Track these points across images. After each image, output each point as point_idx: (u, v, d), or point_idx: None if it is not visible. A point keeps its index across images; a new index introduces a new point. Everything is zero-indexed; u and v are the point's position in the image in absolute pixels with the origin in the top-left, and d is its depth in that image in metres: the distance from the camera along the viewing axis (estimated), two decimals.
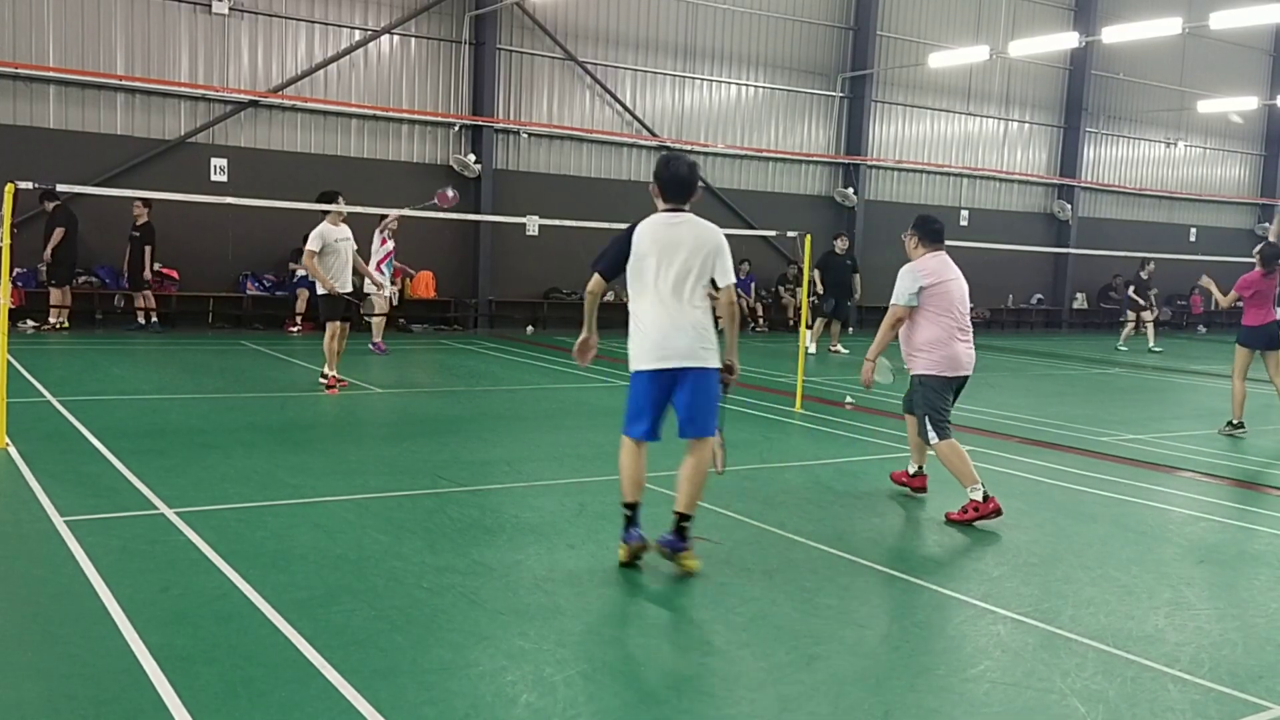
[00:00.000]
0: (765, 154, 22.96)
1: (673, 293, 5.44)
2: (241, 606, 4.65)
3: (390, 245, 14.91)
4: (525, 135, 20.19)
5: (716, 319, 5.58)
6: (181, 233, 16.86)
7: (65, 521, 5.80)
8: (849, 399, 11.86)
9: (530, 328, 19.41)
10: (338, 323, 11.06)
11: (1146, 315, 22.35)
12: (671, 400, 5.44)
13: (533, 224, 14.86)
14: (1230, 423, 10.89)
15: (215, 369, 12.81)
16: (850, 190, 23.83)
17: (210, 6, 17.10)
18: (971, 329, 7.12)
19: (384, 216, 14.76)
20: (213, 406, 10.11)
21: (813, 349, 17.15)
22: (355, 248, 11.39)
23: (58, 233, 15.33)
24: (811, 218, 22.51)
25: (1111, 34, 20.32)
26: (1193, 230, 30.16)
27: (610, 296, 20.76)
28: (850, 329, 20.27)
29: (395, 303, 15.50)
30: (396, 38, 18.87)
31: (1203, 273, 13.17)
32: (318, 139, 18.35)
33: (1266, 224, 31.32)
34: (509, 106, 19.98)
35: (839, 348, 18.02)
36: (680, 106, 21.86)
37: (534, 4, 19.61)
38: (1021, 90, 26.55)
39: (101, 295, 16.71)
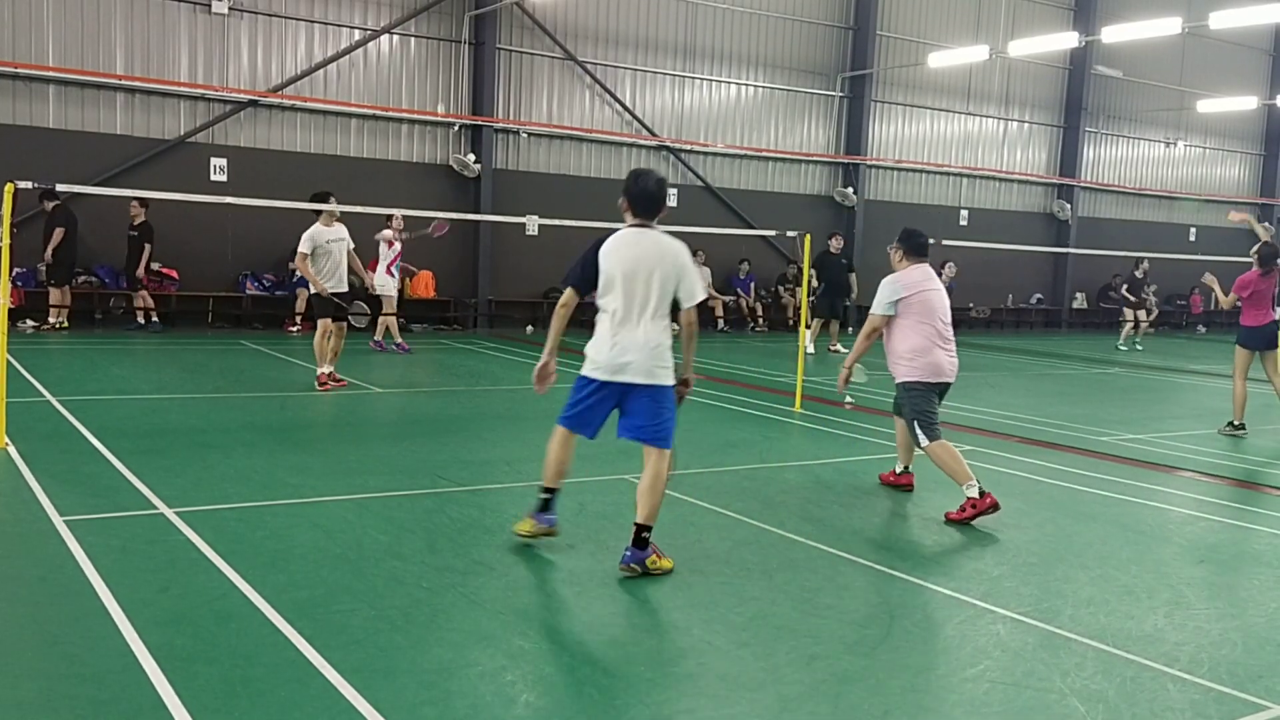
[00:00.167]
0: (765, 154, 22.95)
1: (635, 309, 5.51)
2: (241, 606, 4.66)
3: (398, 247, 15.00)
4: (525, 135, 20.19)
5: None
6: (181, 232, 16.86)
7: (65, 521, 5.80)
8: (848, 399, 11.83)
9: (530, 327, 19.41)
10: (329, 321, 11.09)
11: (1142, 315, 22.38)
12: (624, 412, 5.59)
13: (532, 224, 14.86)
14: (1231, 423, 10.89)
15: (215, 369, 12.81)
16: (850, 190, 23.83)
17: (210, 6, 17.09)
18: (954, 338, 7.25)
19: (389, 218, 14.82)
20: (212, 406, 10.11)
21: (812, 349, 17.16)
22: (352, 246, 11.39)
23: (58, 233, 15.32)
24: (811, 217, 22.52)
25: (1111, 33, 20.32)
26: (1192, 230, 30.16)
27: None
28: (850, 328, 20.28)
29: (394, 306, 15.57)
30: (396, 37, 18.87)
31: (1201, 274, 13.19)
32: (317, 139, 18.35)
33: (1267, 224, 31.35)
34: (509, 106, 19.98)
35: (838, 347, 18.03)
36: (680, 106, 21.86)
37: (534, 4, 19.61)
38: (1021, 90, 26.55)
39: (101, 295, 16.71)
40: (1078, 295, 28.18)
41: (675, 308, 5.64)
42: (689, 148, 22.02)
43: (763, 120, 22.93)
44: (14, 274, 13.28)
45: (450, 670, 4.12)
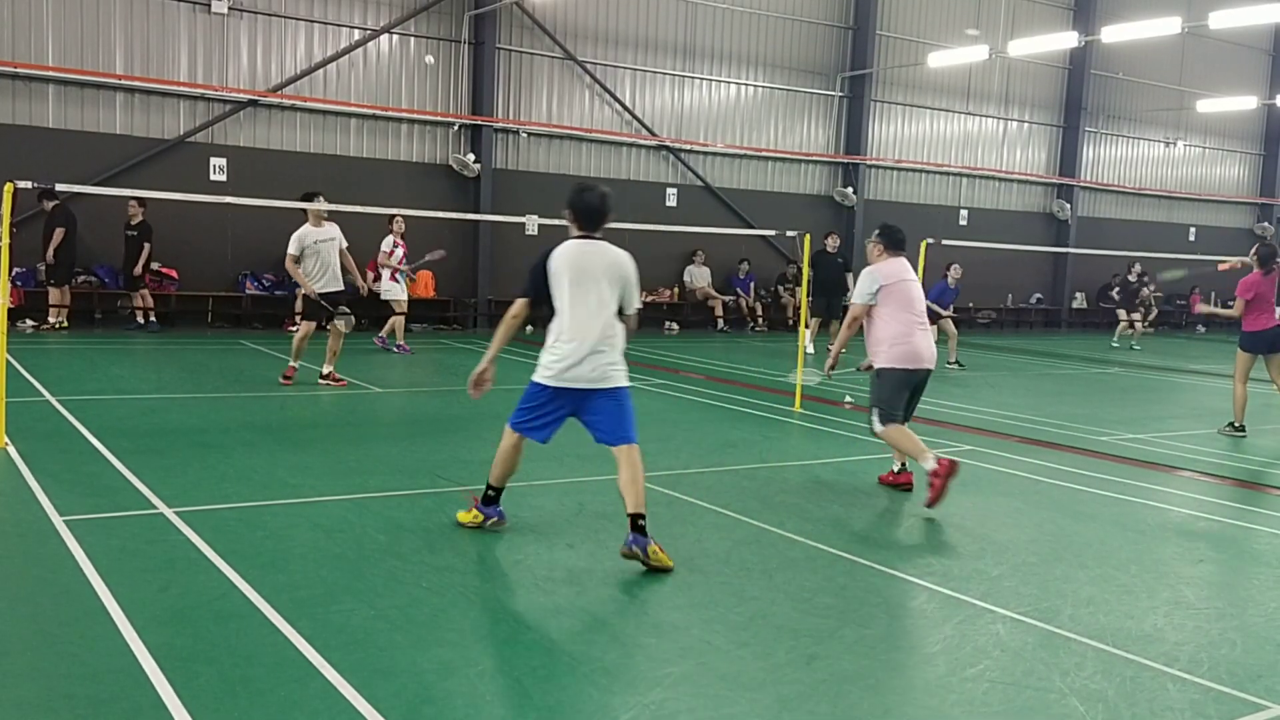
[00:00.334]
0: (764, 153, 22.95)
1: (588, 318, 5.69)
2: (241, 606, 4.65)
3: (400, 253, 15.09)
4: (525, 135, 20.19)
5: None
6: (181, 232, 16.85)
7: (64, 521, 5.80)
8: (848, 398, 11.86)
9: (529, 328, 19.33)
10: (312, 324, 11.17)
11: (1136, 316, 22.41)
12: (587, 418, 5.76)
13: (532, 223, 14.82)
14: (1231, 424, 10.88)
15: (214, 368, 12.81)
16: (850, 190, 23.83)
17: (209, 6, 17.09)
18: (928, 327, 7.53)
19: (391, 219, 14.89)
20: (212, 406, 10.11)
21: (811, 349, 17.14)
22: (344, 245, 11.37)
23: (59, 233, 15.31)
24: (811, 217, 22.52)
25: (1111, 33, 20.32)
26: (1192, 230, 30.16)
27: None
28: None
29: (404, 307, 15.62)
30: (396, 37, 18.86)
31: (1198, 278, 13.19)
32: (317, 138, 18.35)
33: (1266, 224, 31.35)
34: (508, 106, 19.98)
35: None
36: (680, 106, 21.86)
37: (533, 3, 19.61)
38: (1021, 90, 26.55)
39: (101, 295, 16.71)
40: (1077, 295, 28.19)
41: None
42: (689, 147, 22.02)
43: (762, 120, 22.93)
44: (13, 274, 13.28)
45: (450, 670, 4.12)
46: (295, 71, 17.92)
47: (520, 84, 20.06)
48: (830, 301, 17.84)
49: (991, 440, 9.91)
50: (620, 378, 5.74)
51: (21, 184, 7.74)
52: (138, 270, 15.94)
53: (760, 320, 22.32)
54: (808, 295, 14.57)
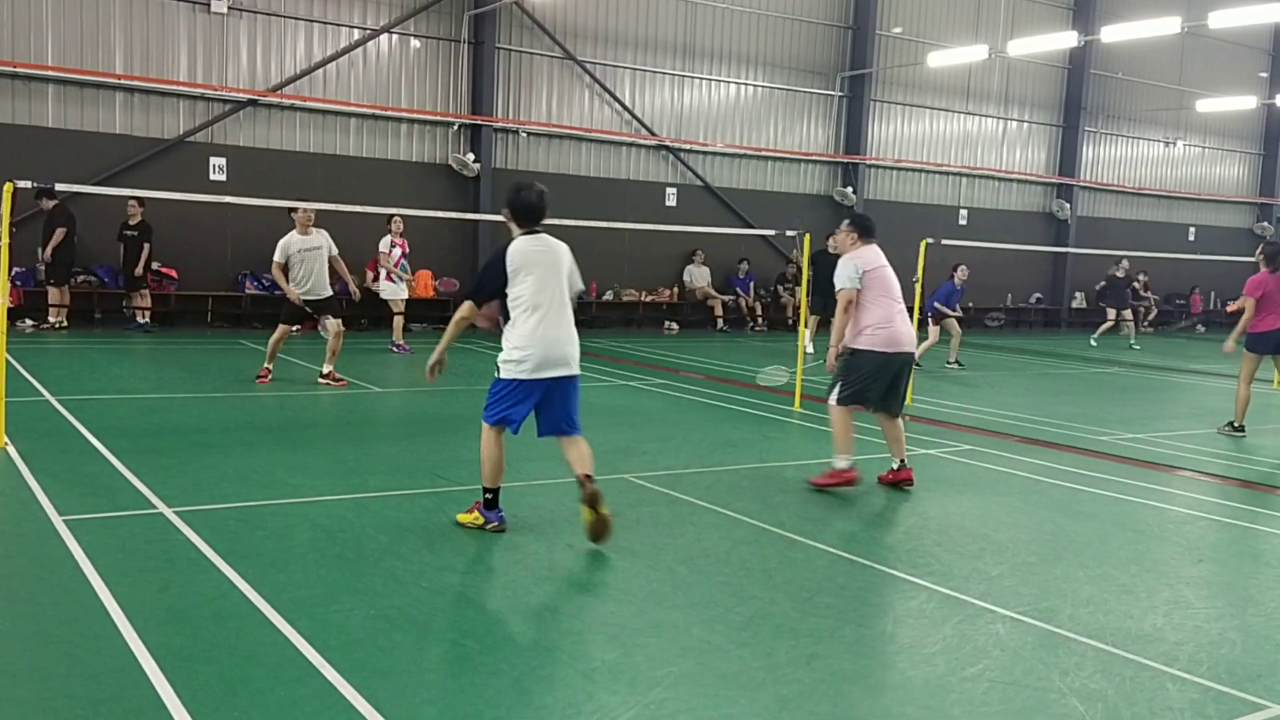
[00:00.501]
0: (764, 153, 22.95)
1: (555, 307, 6.06)
2: (240, 606, 4.65)
3: (398, 254, 15.11)
4: (524, 134, 20.19)
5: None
6: (180, 232, 16.85)
7: (64, 521, 5.80)
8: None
9: None
10: (287, 326, 11.36)
11: (1126, 313, 22.43)
12: (544, 406, 6.02)
13: None
14: (1231, 424, 10.87)
15: (214, 368, 12.82)
16: (849, 189, 23.83)
17: (209, 5, 17.08)
18: (907, 313, 7.68)
19: (389, 219, 14.94)
20: (212, 406, 10.11)
21: (810, 348, 17.16)
22: (335, 252, 11.48)
23: (59, 233, 15.31)
24: (811, 217, 22.50)
25: (1110, 33, 20.32)
26: (1191, 229, 30.17)
27: (610, 296, 21.03)
28: None
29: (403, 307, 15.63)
30: (395, 37, 18.86)
31: (1197, 276, 13.18)
32: (317, 138, 18.35)
33: (1266, 224, 31.36)
34: (508, 105, 19.98)
35: None
36: (679, 106, 21.86)
37: (533, 3, 19.61)
38: (1020, 89, 26.56)
39: (100, 295, 16.70)
40: (1077, 295, 28.19)
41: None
42: (688, 147, 22.02)
43: (762, 120, 22.93)
44: (13, 273, 13.28)
45: (449, 669, 4.12)
46: (295, 71, 17.92)
47: (520, 84, 20.06)
48: (829, 301, 17.82)
49: (991, 440, 9.91)
50: (578, 364, 6.11)
51: (21, 184, 7.74)
52: (139, 271, 15.93)
53: (760, 320, 22.32)
54: (807, 294, 14.57)
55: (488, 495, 6.05)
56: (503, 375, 5.98)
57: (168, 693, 3.74)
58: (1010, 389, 14.58)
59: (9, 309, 8.27)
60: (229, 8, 17.22)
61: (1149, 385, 16.00)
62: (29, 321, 15.48)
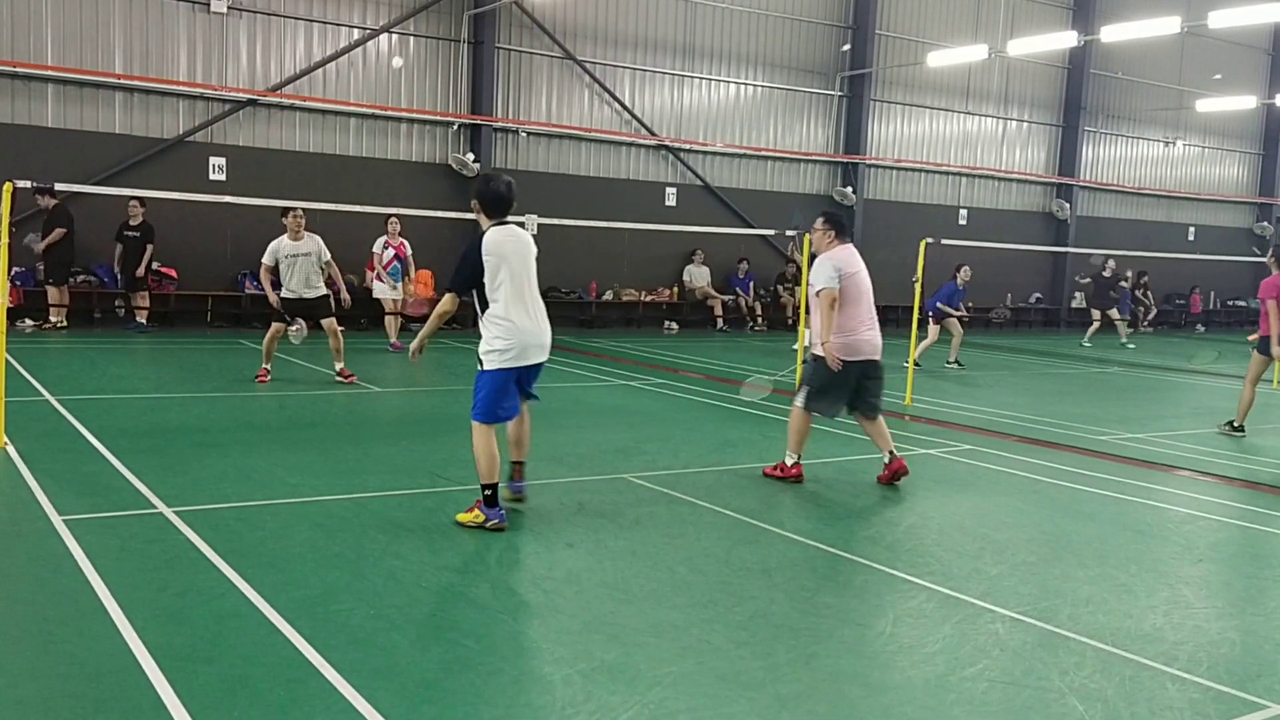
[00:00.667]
0: (764, 153, 22.95)
1: (531, 296, 6.21)
2: (240, 605, 4.65)
3: (391, 253, 15.10)
4: (524, 134, 20.19)
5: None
6: (180, 232, 16.85)
7: (64, 521, 5.80)
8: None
9: None
10: (280, 325, 11.44)
11: (1113, 313, 22.47)
12: (520, 385, 6.31)
13: (531, 223, 14.82)
14: (1231, 423, 10.86)
15: (214, 368, 12.81)
16: (849, 189, 23.83)
17: (209, 5, 17.08)
18: (876, 319, 7.77)
19: (387, 219, 14.98)
20: (211, 405, 10.10)
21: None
22: (327, 257, 11.57)
23: (57, 232, 15.31)
24: (810, 216, 22.48)
25: (1110, 33, 20.32)
26: (1191, 229, 30.18)
27: (610, 295, 21.03)
28: None
29: (401, 307, 15.61)
30: (395, 36, 18.86)
31: (1196, 276, 13.12)
32: (316, 138, 18.35)
33: (1265, 223, 31.36)
34: (508, 105, 19.98)
35: None
36: (679, 105, 21.86)
37: (533, 3, 19.61)
38: (1020, 89, 26.56)
39: (100, 295, 16.70)
40: (1076, 295, 28.19)
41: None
42: (688, 147, 22.02)
43: (762, 119, 22.93)
44: (12, 273, 13.28)
45: (449, 669, 4.12)
46: (294, 71, 17.92)
47: (520, 83, 20.06)
48: None
49: (991, 440, 9.91)
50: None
51: (21, 183, 7.74)
52: (140, 271, 15.94)
53: (760, 319, 22.33)
54: (807, 294, 14.57)
55: (487, 492, 6.06)
56: (489, 367, 6.07)
57: (167, 693, 3.74)
58: (1010, 389, 14.58)
59: (9, 309, 8.27)
60: (228, 7, 17.22)
61: (1149, 385, 16.01)
62: (29, 321, 15.48)
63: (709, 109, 22.25)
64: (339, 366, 11.70)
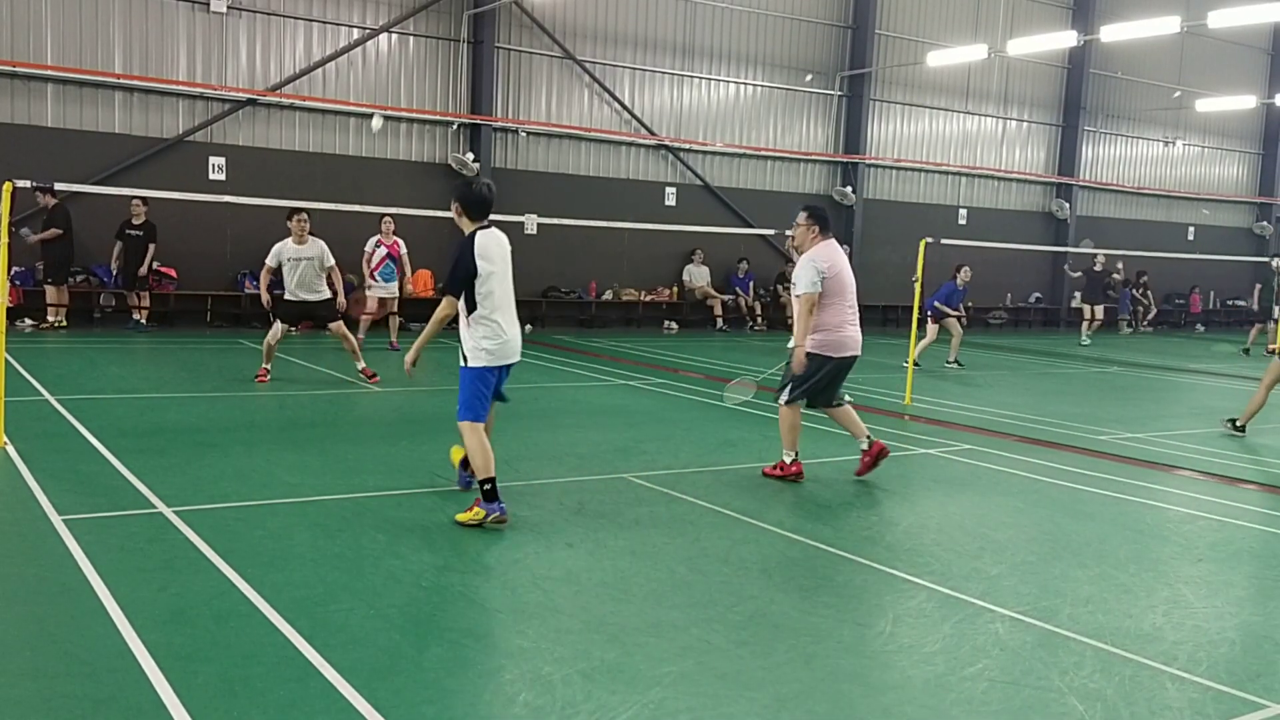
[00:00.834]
0: (763, 153, 22.95)
1: (509, 299, 6.38)
2: (240, 605, 4.66)
3: (382, 252, 14.96)
4: (524, 134, 20.19)
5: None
6: (179, 231, 16.84)
7: (63, 520, 5.80)
8: (846, 398, 11.86)
9: (528, 326, 19.38)
10: (280, 324, 11.50)
11: (1099, 310, 22.54)
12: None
13: (531, 223, 14.84)
14: (1233, 421, 10.80)
15: (213, 368, 12.82)
16: (849, 189, 23.83)
17: (208, 5, 17.08)
18: (858, 313, 7.80)
19: (381, 219, 14.94)
20: (211, 405, 10.11)
21: None
22: (331, 264, 11.66)
23: (53, 231, 15.31)
24: None
25: (1110, 33, 20.31)
26: (1191, 229, 30.18)
27: (609, 295, 21.04)
28: None
29: (394, 307, 15.56)
30: (395, 36, 18.86)
31: (1196, 277, 13.09)
32: (316, 138, 18.34)
33: (1265, 223, 31.37)
34: (507, 105, 19.98)
35: None
36: (679, 105, 21.86)
37: (532, 3, 19.60)
38: (1020, 89, 26.56)
39: (100, 294, 16.70)
40: (1076, 294, 28.18)
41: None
42: (688, 147, 22.02)
43: (761, 119, 22.93)
44: (12, 273, 13.27)
45: (449, 669, 4.13)
46: (294, 70, 17.92)
47: (519, 83, 20.06)
48: None
49: (990, 439, 9.92)
50: None
51: (20, 183, 7.74)
52: (143, 271, 15.96)
53: (759, 319, 22.32)
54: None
55: (486, 487, 6.11)
56: (475, 364, 6.23)
57: (167, 692, 3.74)
58: (1009, 388, 14.58)
59: (8, 308, 8.27)
60: (228, 7, 17.21)
61: (1148, 385, 16.01)
62: (28, 321, 15.48)
63: (709, 109, 22.25)
64: (360, 366, 11.81)
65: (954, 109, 25.57)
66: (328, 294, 11.67)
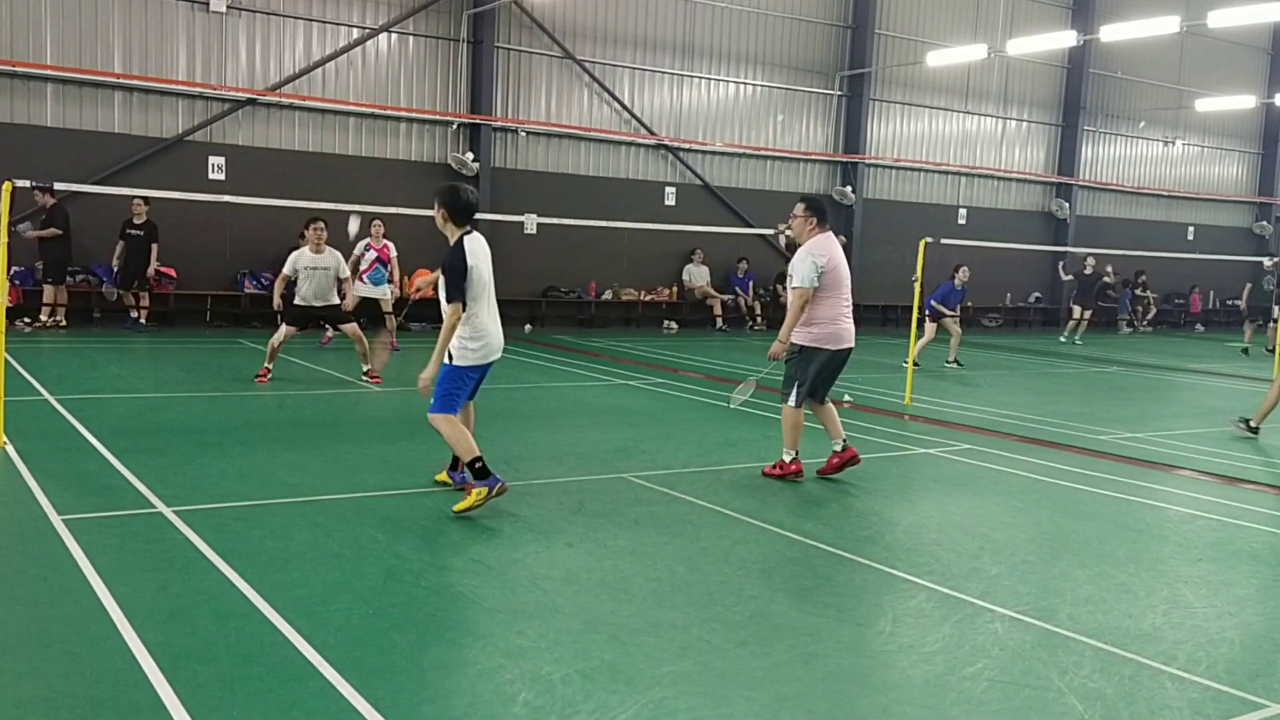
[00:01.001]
0: (763, 152, 22.95)
1: (492, 301, 6.57)
2: (239, 605, 4.65)
3: (371, 255, 14.78)
4: (523, 134, 20.18)
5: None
6: (179, 231, 16.82)
7: (63, 520, 5.80)
8: (846, 397, 11.86)
9: (528, 326, 19.40)
10: (288, 327, 11.63)
11: (1087, 312, 22.60)
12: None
13: (531, 222, 14.86)
14: (1247, 421, 10.68)
15: (213, 367, 12.82)
16: (848, 189, 23.83)
17: (208, 4, 17.08)
18: (852, 306, 7.82)
19: (371, 221, 14.88)
20: (210, 405, 10.11)
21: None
22: (345, 275, 12.01)
23: (51, 230, 15.31)
24: None
25: (1109, 32, 20.32)
26: (1190, 229, 30.18)
27: (609, 295, 21.04)
28: None
29: (392, 307, 15.51)
30: (394, 36, 18.86)
31: (1195, 276, 13.10)
32: (315, 137, 18.34)
33: (1264, 223, 31.37)
34: (507, 105, 19.97)
35: None
36: (678, 105, 21.86)
37: (532, 2, 19.60)
38: (1020, 89, 26.56)
39: (99, 294, 16.68)
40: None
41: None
42: (687, 146, 22.02)
43: (761, 119, 22.93)
44: (11, 272, 13.27)
45: (449, 668, 4.13)
46: (294, 70, 17.91)
47: (519, 83, 20.06)
48: None
49: (990, 439, 9.92)
50: None
51: (20, 183, 7.74)
52: (151, 272, 15.98)
53: (759, 319, 22.32)
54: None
55: (477, 465, 6.25)
56: (460, 363, 6.36)
57: (167, 692, 3.74)
58: (1009, 388, 14.58)
59: (7, 308, 8.26)
60: (228, 7, 17.21)
61: (1148, 384, 16.01)
62: (26, 320, 15.47)
63: (708, 108, 22.24)
64: (366, 368, 11.90)
65: (954, 109, 25.57)
66: (336, 301, 11.91)
